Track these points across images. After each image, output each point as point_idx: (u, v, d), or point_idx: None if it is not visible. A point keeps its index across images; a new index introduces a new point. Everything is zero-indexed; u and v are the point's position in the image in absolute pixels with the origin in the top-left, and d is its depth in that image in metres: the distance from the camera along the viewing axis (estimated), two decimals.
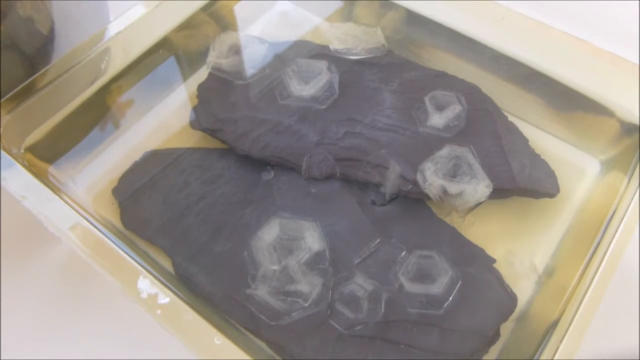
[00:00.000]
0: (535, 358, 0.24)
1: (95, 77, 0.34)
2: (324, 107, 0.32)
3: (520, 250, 0.29)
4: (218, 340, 0.23)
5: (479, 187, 0.28)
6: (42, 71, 0.33)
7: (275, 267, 0.26)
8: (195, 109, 0.33)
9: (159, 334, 0.24)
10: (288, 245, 0.27)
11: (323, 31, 0.39)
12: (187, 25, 0.38)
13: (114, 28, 0.35)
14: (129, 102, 0.35)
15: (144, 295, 0.24)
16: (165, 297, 0.24)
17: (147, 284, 0.25)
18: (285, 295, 0.26)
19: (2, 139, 0.30)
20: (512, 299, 0.27)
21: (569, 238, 0.30)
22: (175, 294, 0.25)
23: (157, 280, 0.25)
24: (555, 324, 0.25)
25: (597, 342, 0.26)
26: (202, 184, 0.31)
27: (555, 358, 0.23)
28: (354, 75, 0.34)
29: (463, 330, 0.25)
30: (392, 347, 0.25)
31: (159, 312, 0.24)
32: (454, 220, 0.30)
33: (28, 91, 0.32)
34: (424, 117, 0.31)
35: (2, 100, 0.31)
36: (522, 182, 0.29)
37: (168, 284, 0.26)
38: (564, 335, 0.23)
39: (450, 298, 0.26)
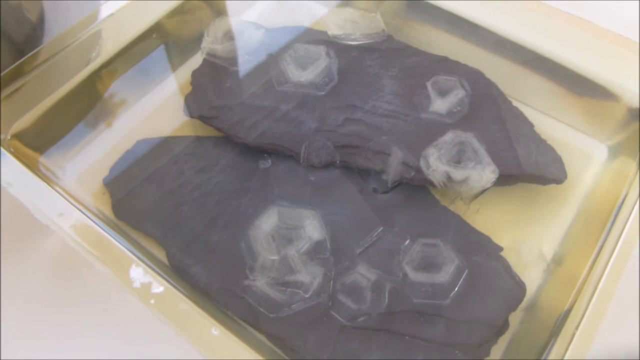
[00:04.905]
0: (547, 348, 0.24)
1: (85, 62, 0.33)
2: (323, 93, 0.31)
3: (527, 237, 0.29)
4: (216, 331, 0.23)
5: (484, 173, 0.27)
6: (30, 54, 0.31)
7: (274, 257, 0.26)
8: (189, 96, 0.32)
9: (155, 327, 0.23)
10: (287, 234, 0.26)
11: (321, 17, 0.38)
12: (181, 10, 0.37)
13: (105, 11, 0.34)
14: (121, 88, 0.34)
15: (137, 284, 0.23)
16: (160, 286, 0.24)
17: (140, 273, 0.24)
18: (285, 286, 0.25)
19: None
20: (520, 287, 0.26)
21: (578, 225, 0.29)
22: (170, 283, 0.24)
23: (151, 270, 0.24)
24: (567, 313, 0.25)
25: (609, 337, 0.25)
26: (197, 173, 0.30)
27: (569, 348, 0.22)
28: (353, 61, 0.33)
29: (470, 320, 0.25)
30: (397, 338, 0.24)
31: (152, 301, 0.23)
32: (458, 207, 0.29)
33: (15, 76, 0.31)
34: (426, 102, 0.31)
35: None
36: (529, 167, 0.28)
37: (162, 273, 0.25)
38: (579, 325, 0.23)
39: (457, 287, 0.25)
